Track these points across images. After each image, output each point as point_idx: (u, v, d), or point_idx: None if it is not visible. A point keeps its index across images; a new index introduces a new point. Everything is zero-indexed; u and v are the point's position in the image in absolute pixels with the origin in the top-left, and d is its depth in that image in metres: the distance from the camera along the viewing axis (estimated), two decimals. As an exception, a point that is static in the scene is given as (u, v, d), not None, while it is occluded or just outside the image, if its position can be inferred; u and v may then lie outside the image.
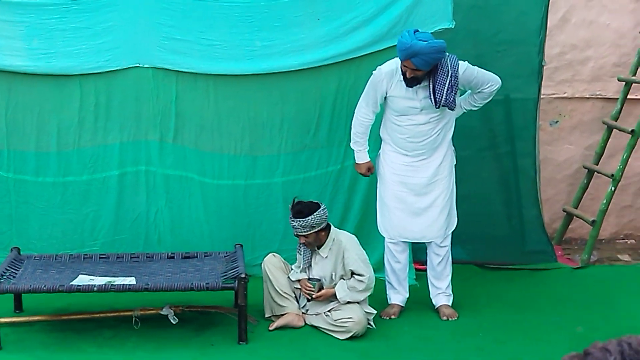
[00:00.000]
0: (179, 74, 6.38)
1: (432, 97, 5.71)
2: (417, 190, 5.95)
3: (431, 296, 6.13)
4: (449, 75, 5.67)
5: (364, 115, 5.98)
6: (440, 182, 5.95)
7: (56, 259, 6.08)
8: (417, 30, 5.68)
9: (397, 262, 6.09)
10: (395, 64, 5.79)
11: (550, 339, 5.68)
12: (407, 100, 5.81)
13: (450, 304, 6.10)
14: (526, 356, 5.43)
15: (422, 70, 5.63)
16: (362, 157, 6.09)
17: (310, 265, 5.86)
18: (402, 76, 5.74)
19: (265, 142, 6.59)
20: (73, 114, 6.40)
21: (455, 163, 6.05)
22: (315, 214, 5.67)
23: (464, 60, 5.80)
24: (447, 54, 5.70)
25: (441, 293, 6.10)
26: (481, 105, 6.01)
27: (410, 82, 5.71)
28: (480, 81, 5.85)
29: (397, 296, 6.13)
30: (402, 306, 6.14)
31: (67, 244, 6.52)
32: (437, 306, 6.09)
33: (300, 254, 5.87)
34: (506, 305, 6.30)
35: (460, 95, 5.98)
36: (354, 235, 5.93)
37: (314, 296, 5.78)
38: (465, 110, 6.01)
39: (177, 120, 6.47)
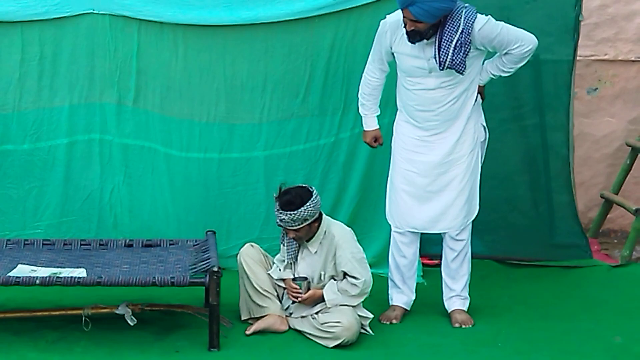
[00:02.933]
0: (142, 23, 6.38)
1: (436, 56, 5.69)
2: (426, 170, 5.94)
3: (444, 298, 6.14)
4: (459, 31, 5.63)
5: (370, 72, 6.04)
6: (458, 161, 5.92)
7: (-9, 245, 6.10)
8: None
9: (403, 256, 6.10)
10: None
11: (583, 351, 5.71)
12: (414, 58, 5.80)
13: (465, 308, 6.10)
14: (553, 371, 5.50)
15: (424, 22, 5.60)
16: (368, 123, 6.12)
17: (296, 261, 5.87)
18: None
19: (245, 107, 6.59)
20: (12, 69, 6.39)
21: (483, 139, 6.03)
22: (307, 204, 5.64)
23: (485, 14, 5.74)
24: (465, 5, 5.69)
25: (455, 296, 6.09)
26: (512, 70, 5.90)
27: (412, 36, 5.69)
28: (505, 40, 5.75)
29: (401, 297, 6.15)
30: (405, 309, 6.15)
31: (5, 225, 6.55)
32: (449, 311, 6.09)
33: (284, 246, 5.88)
34: (530, 309, 6.33)
35: (488, 58, 5.92)
36: (349, 229, 5.91)
37: (300, 299, 5.78)
38: (492, 76, 5.92)
39: (138, 79, 6.48)
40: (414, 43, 5.71)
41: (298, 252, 5.85)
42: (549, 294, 6.61)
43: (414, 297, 6.18)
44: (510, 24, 5.85)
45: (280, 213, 5.64)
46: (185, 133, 6.59)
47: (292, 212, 5.61)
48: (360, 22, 6.47)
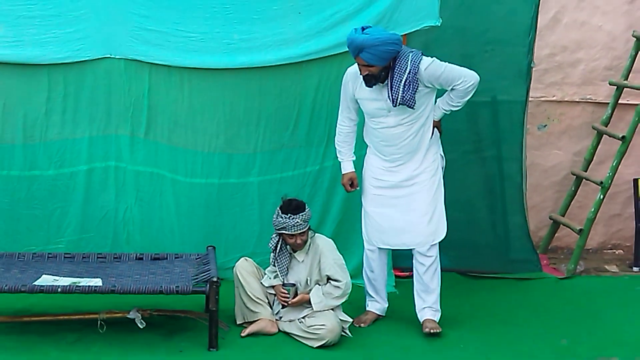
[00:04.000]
0: (152, 66, 6.36)
1: (389, 95, 5.67)
2: (391, 189, 5.90)
3: (416, 310, 6.02)
4: (407, 71, 5.60)
5: (341, 122, 6.04)
6: (421, 184, 5.88)
7: (19, 258, 6.05)
8: (369, 27, 5.67)
9: (372, 271, 6.07)
10: None
11: (534, 352, 5.69)
12: (374, 101, 5.79)
13: (436, 319, 5.97)
14: (508, 369, 5.46)
15: (375, 65, 5.58)
16: (344, 167, 6.09)
17: (287, 271, 5.85)
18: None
19: (242, 139, 6.56)
20: (40, 105, 6.36)
21: (443, 166, 5.99)
22: (307, 207, 5.75)
23: (431, 57, 5.70)
24: (412, 50, 5.68)
25: (427, 307, 5.97)
26: (460, 104, 5.81)
27: (368, 80, 5.67)
28: (450, 77, 5.68)
29: (374, 304, 6.12)
30: (378, 315, 6.12)
31: (31, 240, 6.48)
32: (421, 320, 5.96)
33: (276, 265, 5.86)
34: (489, 316, 6.30)
35: (441, 96, 5.88)
36: (331, 240, 5.93)
37: (289, 302, 5.77)
38: (444, 111, 5.86)
39: (149, 115, 6.45)
40: (371, 86, 5.70)
41: (289, 265, 5.84)
42: (505, 302, 6.59)
43: (386, 305, 6.15)
44: (471, 68, 5.84)
45: (293, 218, 5.65)
46: (190, 161, 6.55)
47: (303, 214, 5.67)
48: (343, 67, 6.37)
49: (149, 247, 6.42)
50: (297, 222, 5.66)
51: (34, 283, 5.53)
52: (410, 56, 5.63)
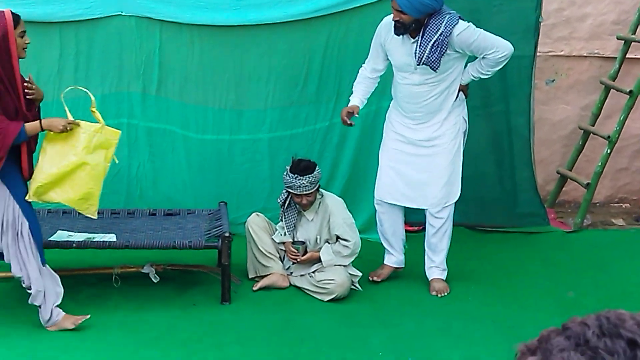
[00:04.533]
0: (163, 24, 6.33)
1: (416, 52, 5.55)
2: (412, 150, 5.81)
3: (425, 267, 6.00)
4: (439, 32, 5.45)
5: (364, 67, 5.92)
6: (440, 147, 5.78)
7: (34, 214, 6.07)
8: None
9: (381, 225, 6.04)
10: None
11: (541, 304, 5.70)
12: (403, 55, 5.65)
13: (444, 278, 5.95)
14: (515, 321, 5.45)
15: (407, 14, 5.42)
16: (350, 100, 5.91)
17: (295, 228, 5.85)
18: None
19: (252, 96, 6.55)
20: (52, 63, 6.34)
21: (465, 130, 5.89)
22: (317, 168, 5.69)
23: (466, 21, 5.56)
24: (450, 12, 5.52)
25: (434, 267, 5.95)
26: (490, 73, 5.67)
27: (397, 28, 5.52)
28: (482, 46, 5.53)
29: (389, 257, 6.08)
30: (393, 267, 6.08)
31: (46, 197, 6.50)
32: (429, 279, 5.95)
33: (283, 220, 5.86)
34: (496, 269, 6.31)
35: (471, 61, 5.75)
36: (340, 199, 5.90)
37: (298, 260, 5.78)
38: (473, 77, 5.71)
39: (160, 72, 6.44)
40: (398, 35, 5.56)
41: (296, 223, 5.84)
42: (512, 255, 6.59)
43: (402, 257, 6.10)
44: (479, 25, 5.74)
45: (300, 179, 5.61)
46: (201, 118, 6.54)
47: (310, 175, 5.61)
48: (352, 23, 6.41)
49: (161, 203, 6.42)
50: (303, 183, 5.62)
51: (49, 238, 5.53)
52: (446, 18, 5.46)
